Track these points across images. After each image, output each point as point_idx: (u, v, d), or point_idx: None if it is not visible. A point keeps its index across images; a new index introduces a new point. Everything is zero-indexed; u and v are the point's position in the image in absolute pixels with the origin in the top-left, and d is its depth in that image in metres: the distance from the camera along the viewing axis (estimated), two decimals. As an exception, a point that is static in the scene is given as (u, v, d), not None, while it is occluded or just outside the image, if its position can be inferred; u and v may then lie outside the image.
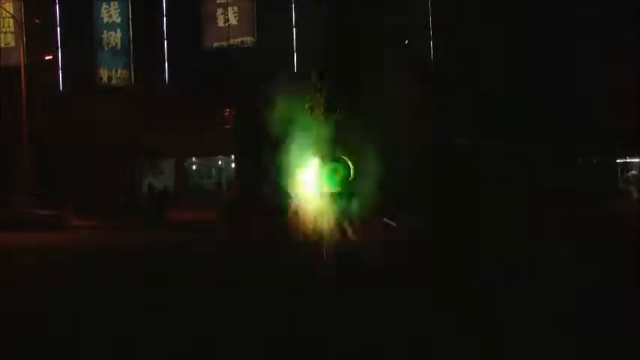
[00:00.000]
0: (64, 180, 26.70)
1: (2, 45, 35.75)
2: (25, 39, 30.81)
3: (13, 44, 34.55)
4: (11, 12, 33.86)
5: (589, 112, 26.63)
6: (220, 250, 14.90)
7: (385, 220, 10.41)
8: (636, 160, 30.34)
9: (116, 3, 35.37)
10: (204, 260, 13.63)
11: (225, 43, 33.65)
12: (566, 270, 10.68)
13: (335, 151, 10.90)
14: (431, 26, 32.31)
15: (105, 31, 35.22)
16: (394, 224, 10.07)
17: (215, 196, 30.71)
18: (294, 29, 33.22)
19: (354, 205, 10.60)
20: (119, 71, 35.17)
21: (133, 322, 8.00)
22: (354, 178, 10.92)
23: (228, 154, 33.71)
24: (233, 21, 34.06)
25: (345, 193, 10.86)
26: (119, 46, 35.17)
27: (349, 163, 10.78)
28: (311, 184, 10.84)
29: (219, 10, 34.35)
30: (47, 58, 32.12)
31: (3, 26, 35.99)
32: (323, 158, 10.70)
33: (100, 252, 16.43)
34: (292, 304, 8.18)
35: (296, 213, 11.04)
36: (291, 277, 9.67)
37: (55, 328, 8.07)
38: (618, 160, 30.16)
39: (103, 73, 35.20)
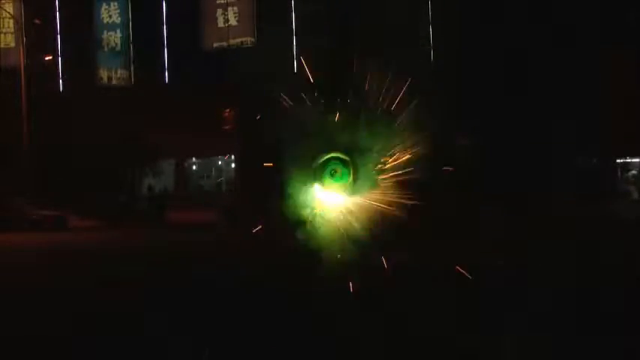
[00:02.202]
0: (64, 180, 26.63)
1: (2, 45, 35.77)
2: (25, 39, 30.82)
3: (13, 45, 34.58)
4: (11, 12, 33.86)
5: (589, 112, 26.64)
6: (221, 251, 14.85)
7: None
8: (636, 160, 30.33)
9: (116, 3, 35.41)
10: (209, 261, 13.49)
11: (225, 44, 33.87)
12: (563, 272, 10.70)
13: (336, 151, 10.78)
14: (431, 26, 32.38)
15: (105, 32, 35.44)
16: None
17: (215, 197, 30.74)
18: (294, 30, 33.30)
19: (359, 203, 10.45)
20: (119, 71, 35.44)
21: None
22: (356, 179, 10.78)
23: (228, 155, 33.68)
24: (233, 21, 34.22)
25: (346, 193, 10.69)
26: (119, 47, 35.45)
27: (350, 163, 10.63)
28: (312, 186, 10.72)
29: (219, 11, 34.38)
30: (47, 58, 32.15)
31: (3, 27, 36.02)
32: (323, 158, 10.57)
33: (99, 253, 16.37)
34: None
35: (297, 215, 10.92)
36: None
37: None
38: (618, 160, 30.16)
39: (103, 74, 35.47)
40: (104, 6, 35.42)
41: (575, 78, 26.47)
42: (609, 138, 27.05)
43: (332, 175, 9.84)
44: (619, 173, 30.31)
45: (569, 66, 26.92)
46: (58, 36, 35.26)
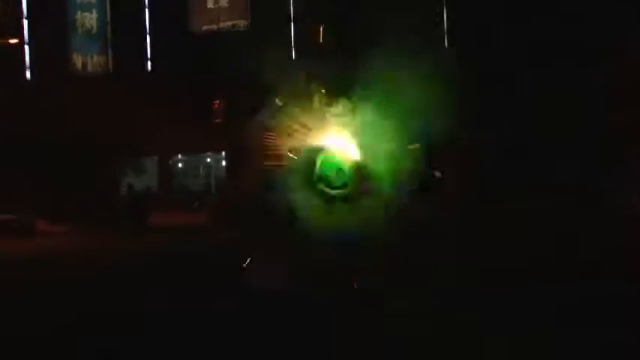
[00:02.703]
0: (32, 180, 26.18)
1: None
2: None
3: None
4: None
5: (602, 106, 26.88)
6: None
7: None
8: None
9: (92, -20, 35.13)
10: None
11: (214, 27, 33.58)
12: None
13: (337, 146, 10.27)
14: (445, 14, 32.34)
15: (79, 12, 35.25)
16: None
17: (203, 198, 30.50)
18: (291, 11, 33.10)
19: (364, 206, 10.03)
20: (95, 57, 35.18)
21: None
22: (360, 176, 10.34)
23: (218, 151, 33.55)
24: (223, 2, 34.00)
25: (349, 193, 10.28)
26: (95, 29, 35.18)
27: (354, 160, 10.12)
28: (311, 185, 10.22)
29: (209, -11, 34.15)
30: (12, 41, 31.61)
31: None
32: (324, 154, 10.05)
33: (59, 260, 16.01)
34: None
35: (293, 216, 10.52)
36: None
37: None
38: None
39: (77, 59, 35.22)
40: (78, -18, 35.17)
41: (588, 70, 26.90)
42: (622, 133, 27.18)
43: (335, 175, 9.57)
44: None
45: (582, 58, 27.39)
46: (25, 17, 34.90)
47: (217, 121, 30.55)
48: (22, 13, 34.80)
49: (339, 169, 9.99)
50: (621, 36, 26.52)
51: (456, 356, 6.74)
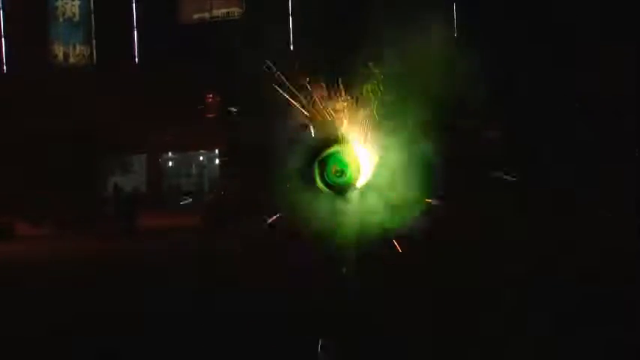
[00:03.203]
0: (10, 181, 26.19)
1: None
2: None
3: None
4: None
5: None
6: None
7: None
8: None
9: (73, -36, 35.02)
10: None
11: (207, 15, 33.53)
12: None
13: (340, 144, 10.31)
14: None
15: (60, -1, 35.06)
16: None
17: (196, 199, 30.37)
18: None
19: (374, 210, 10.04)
20: (77, 47, 35.07)
21: None
22: (365, 177, 10.35)
23: (211, 149, 33.48)
24: (216, -11, 33.96)
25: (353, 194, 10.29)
26: (77, 17, 35.02)
27: (358, 158, 10.15)
28: (312, 185, 10.23)
29: (201, -25, 34.01)
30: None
31: None
32: (326, 152, 10.08)
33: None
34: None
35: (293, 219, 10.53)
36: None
37: None
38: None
39: (58, 50, 35.11)
40: (58, -33, 35.06)
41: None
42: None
43: (337, 177, 9.49)
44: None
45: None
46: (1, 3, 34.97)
47: (211, 116, 30.50)
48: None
49: (342, 168, 10.01)
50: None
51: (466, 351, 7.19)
